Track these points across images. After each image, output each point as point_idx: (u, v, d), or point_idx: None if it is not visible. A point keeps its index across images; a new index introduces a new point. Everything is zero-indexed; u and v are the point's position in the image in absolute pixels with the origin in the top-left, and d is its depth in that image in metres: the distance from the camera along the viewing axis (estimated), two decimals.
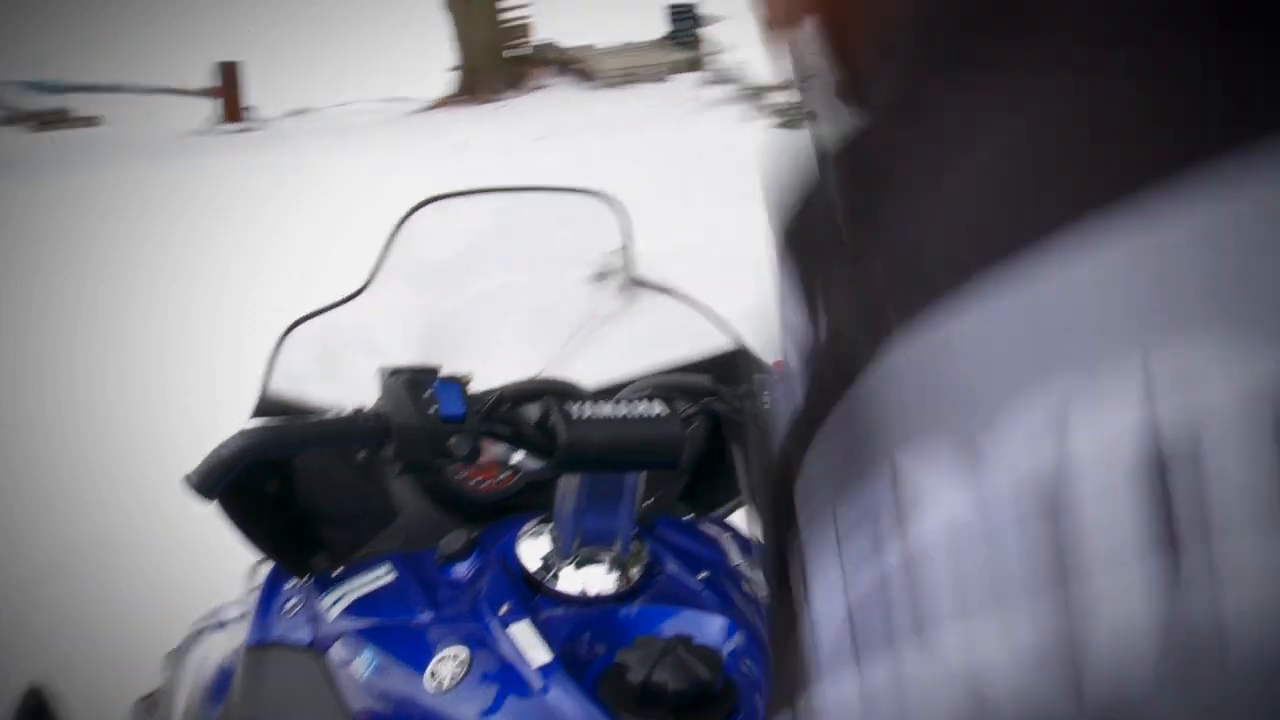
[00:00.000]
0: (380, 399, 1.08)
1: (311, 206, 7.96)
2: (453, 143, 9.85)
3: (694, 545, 1.30)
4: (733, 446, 1.37)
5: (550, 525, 1.21)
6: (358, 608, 1.19)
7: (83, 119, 13.34)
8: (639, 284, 1.39)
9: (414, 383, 1.06)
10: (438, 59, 13.01)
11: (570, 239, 1.40)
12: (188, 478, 1.03)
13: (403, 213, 1.25)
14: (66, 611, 3.09)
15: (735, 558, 1.31)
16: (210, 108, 12.90)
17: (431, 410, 1.04)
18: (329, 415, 1.08)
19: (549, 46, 12.86)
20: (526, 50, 12.77)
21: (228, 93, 12.91)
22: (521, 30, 12.80)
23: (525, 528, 1.23)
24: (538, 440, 1.10)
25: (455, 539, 1.22)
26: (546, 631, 1.10)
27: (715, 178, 7.97)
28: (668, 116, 10.04)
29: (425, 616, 1.15)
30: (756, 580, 1.27)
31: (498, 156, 9.14)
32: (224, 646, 1.42)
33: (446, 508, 1.32)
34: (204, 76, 13.05)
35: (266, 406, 1.24)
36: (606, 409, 1.10)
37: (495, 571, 1.18)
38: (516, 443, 1.11)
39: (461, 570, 1.21)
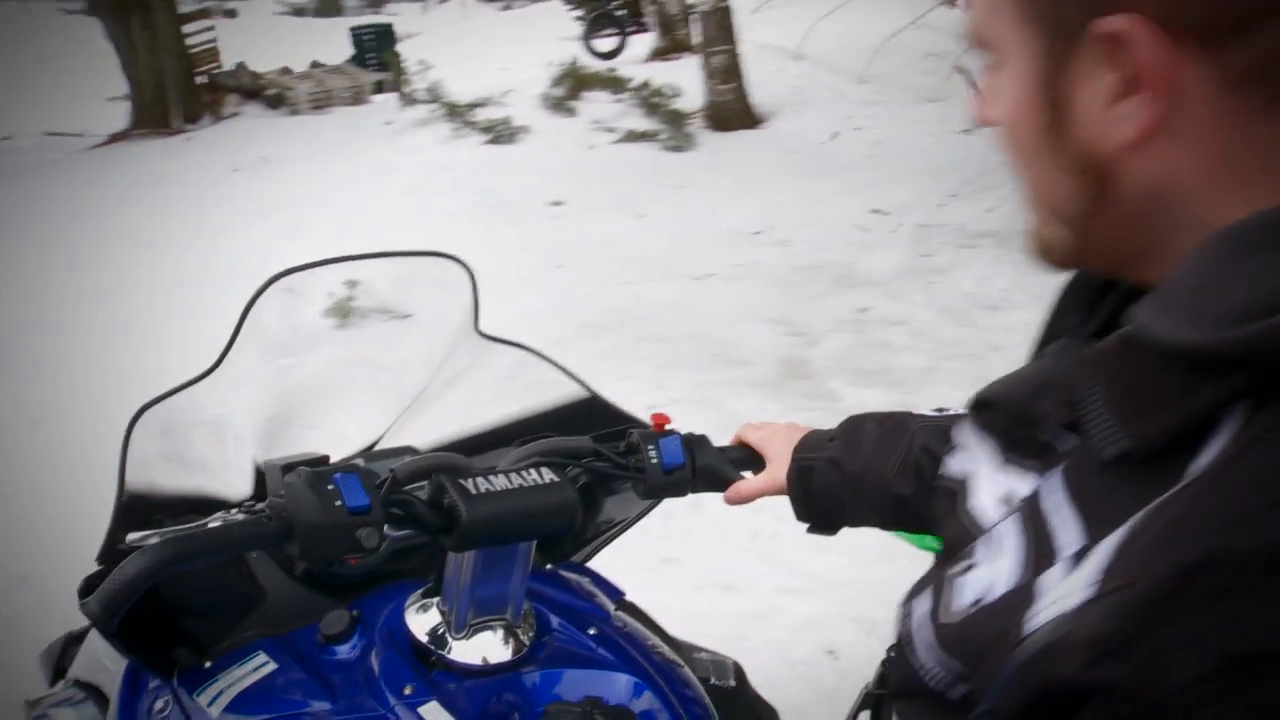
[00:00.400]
0: (279, 497, 1.03)
1: None
2: (142, 180, 9.34)
3: (569, 599, 1.31)
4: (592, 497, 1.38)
5: (436, 597, 1.18)
6: (242, 703, 1.12)
7: None
8: (488, 339, 1.38)
9: (316, 478, 1.01)
10: (103, 90, 12.30)
11: (419, 300, 1.37)
12: (87, 606, 0.96)
13: (254, 291, 1.19)
14: None
15: (608, 604, 1.33)
16: None
17: (337, 504, 1.00)
18: (224, 520, 1.03)
19: (239, 71, 12.39)
20: (214, 76, 12.24)
21: None
22: (209, 55, 12.26)
23: (410, 601, 1.20)
24: (437, 522, 1.07)
25: (336, 619, 1.18)
26: (455, 708, 1.08)
27: (420, 197, 7.91)
28: (371, 139, 9.87)
29: (321, 706, 1.10)
30: (636, 626, 1.30)
31: (195, 191, 8.74)
32: None
33: (313, 585, 1.27)
34: None
35: (129, 505, 1.15)
36: (500, 481, 1.09)
37: (385, 650, 1.15)
38: (416, 526, 1.09)
39: (345, 651, 1.17)
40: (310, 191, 8.33)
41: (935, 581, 0.76)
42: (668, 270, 6.39)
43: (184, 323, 5.42)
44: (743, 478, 1.27)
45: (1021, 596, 0.63)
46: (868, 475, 1.16)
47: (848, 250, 6.44)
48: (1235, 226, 0.59)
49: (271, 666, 1.16)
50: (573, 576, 1.39)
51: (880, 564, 3.07)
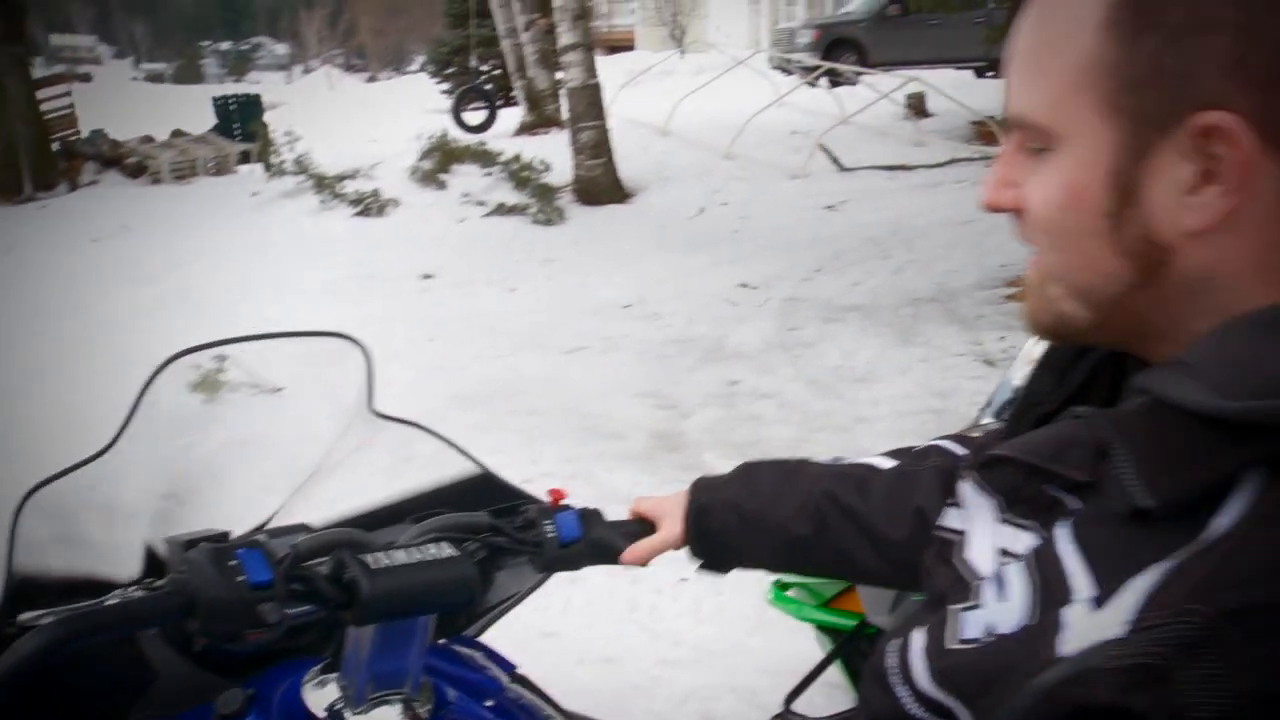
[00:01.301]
0: (178, 572, 1.03)
1: None
2: None
3: (463, 672, 1.32)
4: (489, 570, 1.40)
5: (334, 673, 1.19)
6: None
7: None
8: (381, 417, 1.40)
9: (218, 553, 1.02)
10: None
11: (313, 379, 1.39)
12: None
13: (149, 371, 1.20)
14: None
15: (503, 677, 1.34)
16: None
17: (239, 579, 1.01)
18: (123, 597, 1.02)
19: (97, 138, 12.12)
20: (72, 142, 11.95)
21: None
22: (66, 121, 11.98)
23: (307, 678, 1.20)
24: (338, 597, 1.08)
25: (231, 698, 1.17)
26: None
27: (288, 270, 7.84)
28: (233, 210, 9.75)
29: None
30: (530, 698, 1.32)
31: (50, 262, 8.50)
32: None
33: (207, 663, 1.26)
34: None
35: (19, 587, 1.14)
36: (400, 556, 1.11)
37: None
38: (318, 601, 1.10)
39: None
40: (174, 261, 8.19)
41: (931, 620, 0.81)
42: (539, 343, 6.43)
43: (57, 393, 5.27)
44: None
45: (1041, 630, 0.69)
46: (765, 516, 1.21)
47: (717, 324, 6.57)
48: (1263, 311, 0.68)
49: None
50: (465, 650, 1.40)
51: (759, 633, 3.13)
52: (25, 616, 1.01)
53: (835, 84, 13.97)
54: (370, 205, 9.14)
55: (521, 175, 9.68)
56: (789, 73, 16.10)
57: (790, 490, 1.20)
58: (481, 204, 9.29)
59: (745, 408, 5.26)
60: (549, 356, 6.22)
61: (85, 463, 1.19)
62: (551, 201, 9.29)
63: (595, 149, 9.62)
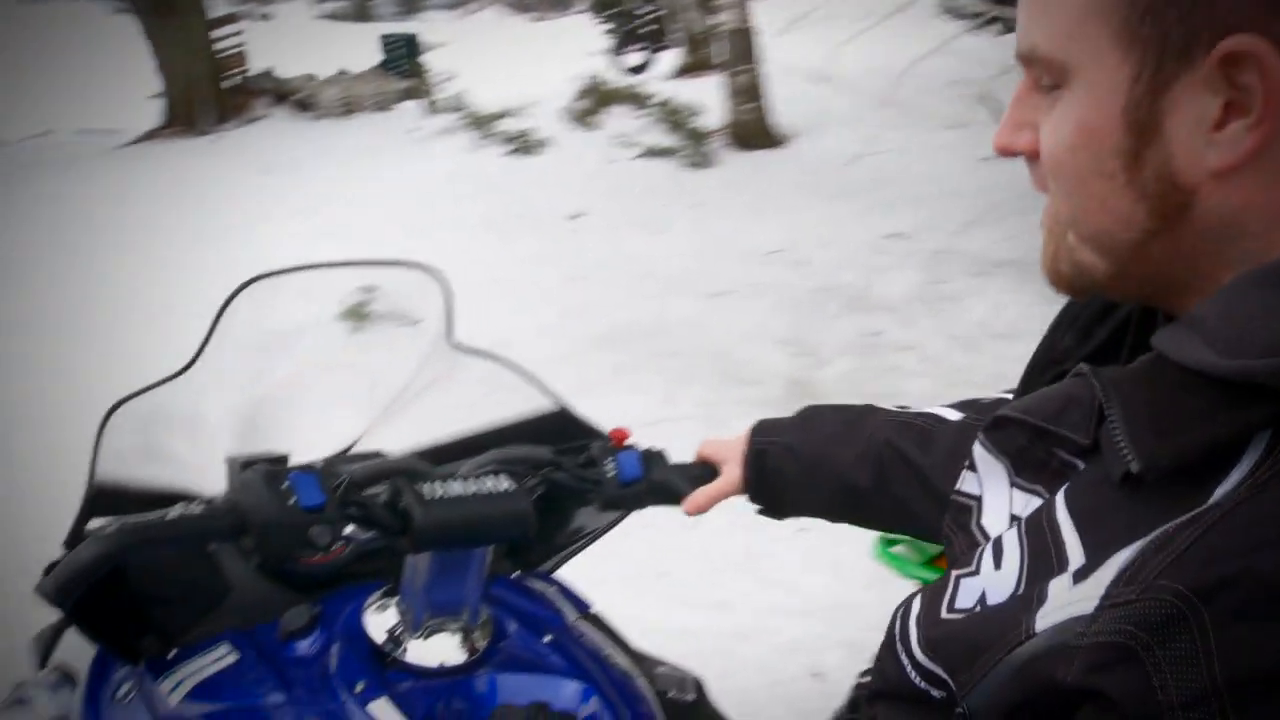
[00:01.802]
0: (234, 492, 1.06)
1: (12, 248, 7.47)
2: (170, 180, 9.44)
3: (530, 606, 1.33)
4: (559, 508, 1.40)
5: (395, 598, 1.21)
6: (201, 691, 1.15)
7: None
8: (461, 350, 1.41)
9: (271, 475, 1.04)
10: (140, 89, 12.43)
11: (393, 309, 1.40)
12: (42, 588, 0.99)
13: (228, 293, 1.23)
14: None
15: (570, 614, 1.35)
16: None
17: (291, 502, 1.03)
18: (182, 512, 1.05)
19: (266, 76, 12.49)
20: (242, 80, 12.35)
21: None
22: (236, 60, 12.37)
23: (370, 600, 1.23)
24: (392, 523, 1.10)
25: (297, 615, 1.20)
26: (405, 707, 1.10)
27: (440, 206, 7.97)
28: (395, 146, 9.94)
29: (276, 698, 1.13)
30: (594, 636, 1.32)
31: (222, 193, 8.82)
32: None
33: (279, 581, 1.29)
34: None
35: (99, 495, 1.19)
36: (456, 487, 1.12)
37: (343, 647, 1.17)
38: (372, 527, 1.11)
39: (306, 647, 1.19)
40: (335, 194, 8.41)
41: (934, 587, 0.78)
42: (684, 287, 6.41)
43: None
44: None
45: (1024, 603, 0.65)
46: (823, 462, 1.18)
47: (863, 273, 6.45)
48: (1276, 264, 0.61)
49: (233, 658, 1.19)
50: (538, 585, 1.41)
51: (874, 587, 3.08)
52: (94, 524, 1.05)
53: (1005, 31, 13.45)
54: (523, 144, 9.22)
55: (674, 118, 9.62)
56: (960, 17, 15.57)
57: (851, 437, 1.17)
58: (633, 146, 9.27)
59: (884, 359, 5.16)
60: (693, 300, 6.20)
61: (166, 380, 1.23)
62: (703, 145, 9.22)
63: (749, 93, 9.48)
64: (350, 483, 1.10)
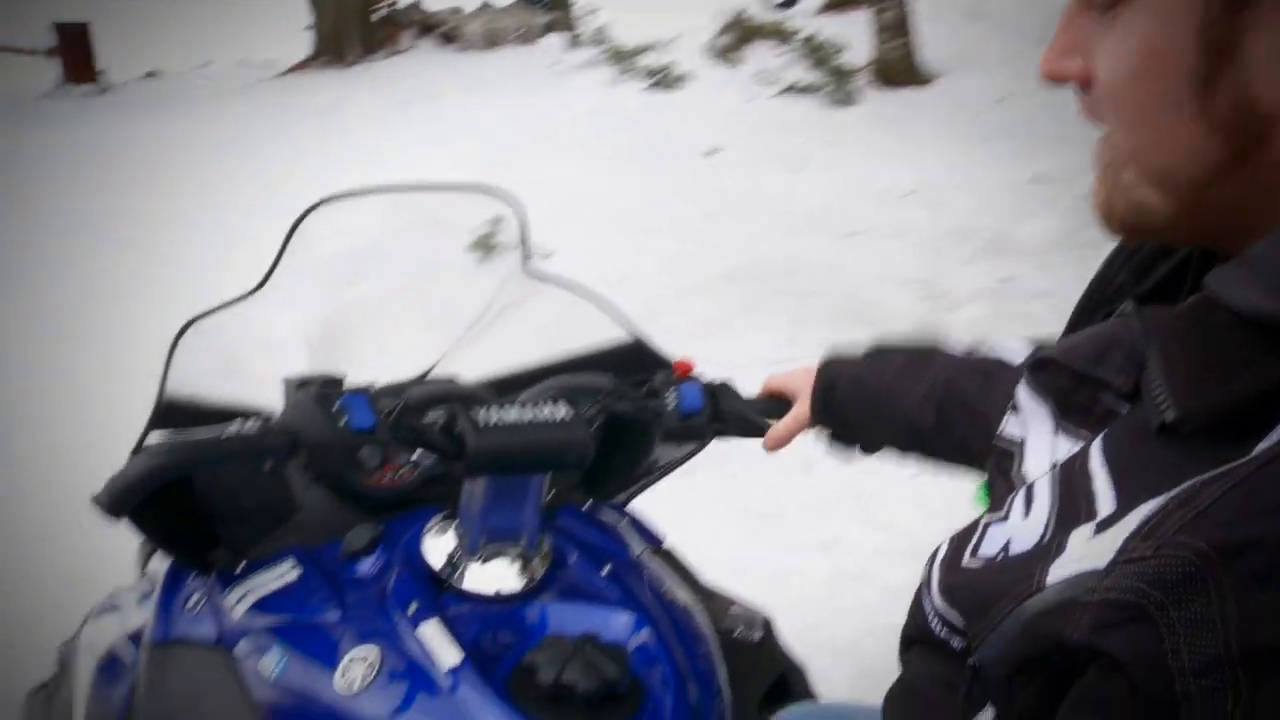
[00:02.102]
0: (287, 411, 1.07)
1: (178, 174, 7.73)
2: (319, 108, 9.64)
3: (595, 537, 1.32)
4: (634, 439, 1.39)
5: (455, 522, 1.21)
6: (264, 605, 1.18)
7: None
8: (536, 277, 1.40)
9: (322, 396, 1.06)
10: (296, 21, 12.71)
11: (461, 232, 1.40)
12: (97, 499, 1.02)
13: (299, 213, 1.23)
14: None
15: (636, 547, 1.33)
16: (54, 70, 12.39)
17: (341, 423, 1.04)
18: (236, 430, 1.06)
19: (413, 8, 12.64)
20: (389, 12, 12.51)
21: (73, 54, 12.40)
22: None
23: (430, 524, 1.23)
24: (446, 447, 1.10)
25: (359, 535, 1.22)
26: (455, 630, 1.10)
27: (579, 139, 7.98)
28: (536, 79, 9.97)
29: (333, 615, 1.15)
30: (657, 570, 1.30)
31: (367, 122, 8.98)
32: (117, 632, 1.39)
33: (347, 501, 1.31)
34: (49, 37, 12.55)
35: (165, 410, 1.21)
36: (512, 414, 1.11)
37: (401, 569, 1.18)
38: (425, 450, 1.12)
39: (367, 567, 1.21)
40: (473, 126, 8.47)
41: (962, 532, 0.75)
42: (816, 226, 6.31)
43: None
44: (767, 424, 1.27)
45: (1042, 553, 0.61)
46: (889, 399, 1.17)
47: (1001, 217, 6.25)
48: None
49: (296, 574, 1.21)
50: (610, 516, 1.40)
51: None
52: (153, 438, 1.07)
53: None
54: (663, 79, 9.14)
55: (817, 55, 9.43)
56: None
57: (916, 376, 1.15)
58: (774, 83, 9.12)
59: (1017, 305, 5.01)
60: (825, 239, 6.10)
61: (238, 300, 1.24)
62: (846, 83, 9.02)
63: (896, 29, 9.23)
64: (405, 406, 1.10)
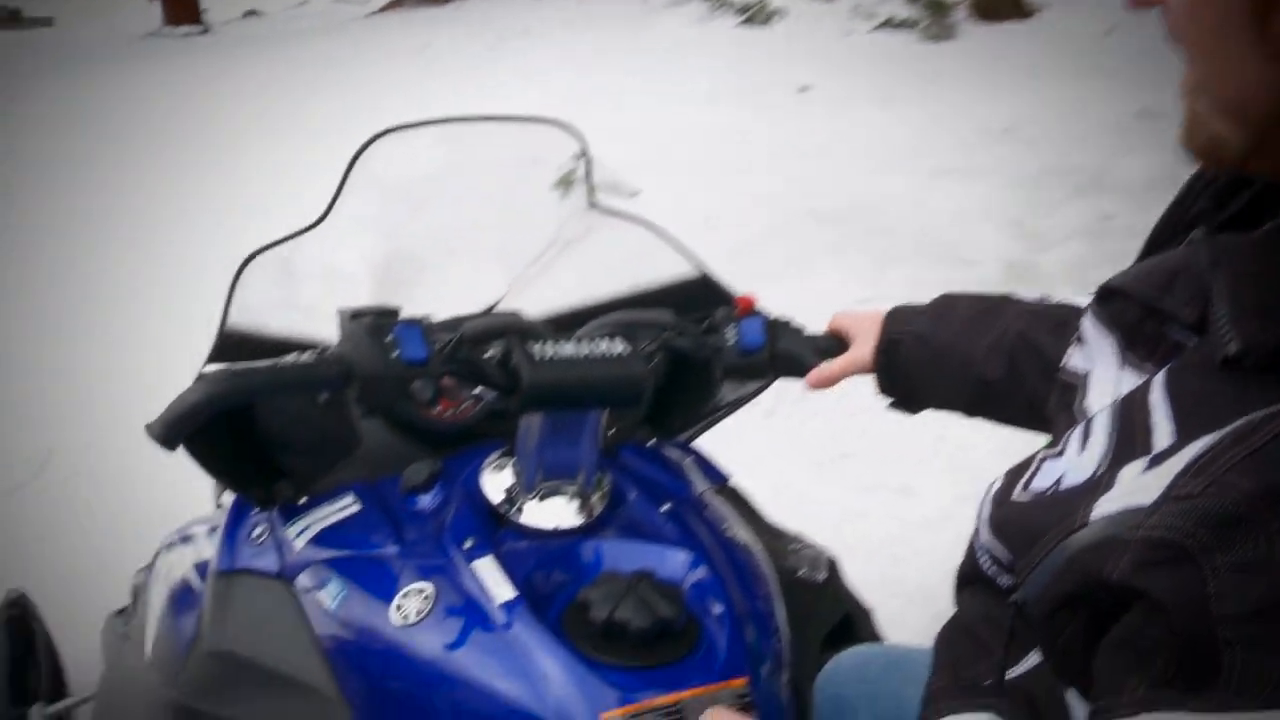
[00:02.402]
0: (341, 342, 1.07)
1: (276, 111, 7.82)
2: (412, 46, 9.67)
3: (657, 474, 1.31)
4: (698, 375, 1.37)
5: (513, 458, 1.21)
6: (324, 538, 1.19)
7: (36, 20, 13.01)
8: (600, 210, 1.37)
9: (375, 327, 1.05)
10: None
11: (531, 167, 1.38)
12: (150, 428, 1.03)
13: (360, 144, 1.22)
14: (45, 523, 3.10)
15: (699, 485, 1.32)
16: (156, 11, 12.59)
17: (394, 355, 1.04)
18: (290, 360, 1.07)
19: None
20: None
21: None
22: None
23: (488, 460, 1.23)
24: (501, 381, 1.10)
25: (419, 470, 1.22)
26: (510, 566, 1.10)
27: (669, 76, 7.89)
28: (628, 15, 9.88)
29: (391, 548, 1.16)
30: (719, 508, 1.29)
31: (459, 59, 8.98)
32: (189, 562, 1.42)
33: (408, 436, 1.32)
34: None
35: (225, 341, 1.22)
36: (568, 348, 1.10)
37: (459, 504, 1.19)
38: (483, 384, 1.11)
39: (426, 501, 1.21)
40: (568, 64, 8.43)
41: (1017, 466, 0.72)
42: (906, 164, 6.18)
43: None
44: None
45: (1091, 488, 0.60)
46: (955, 353, 1.12)
47: (1102, 153, 6.05)
48: None
49: (356, 508, 1.22)
50: (674, 454, 1.39)
51: None
52: (210, 368, 1.07)
53: None
54: (755, 15, 8.99)
55: None
56: None
57: (985, 327, 1.09)
58: (870, 18, 8.91)
59: (1114, 245, 4.85)
60: (915, 178, 5.97)
61: (300, 233, 1.24)
62: (944, 17, 8.78)
63: None
64: (461, 339, 1.09)
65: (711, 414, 1.47)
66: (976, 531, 0.73)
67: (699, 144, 6.31)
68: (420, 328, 1.07)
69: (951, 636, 0.79)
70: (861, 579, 1.46)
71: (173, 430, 1.02)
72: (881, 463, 3.17)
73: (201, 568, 1.39)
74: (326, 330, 1.26)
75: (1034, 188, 5.65)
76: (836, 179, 5.96)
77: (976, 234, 5.07)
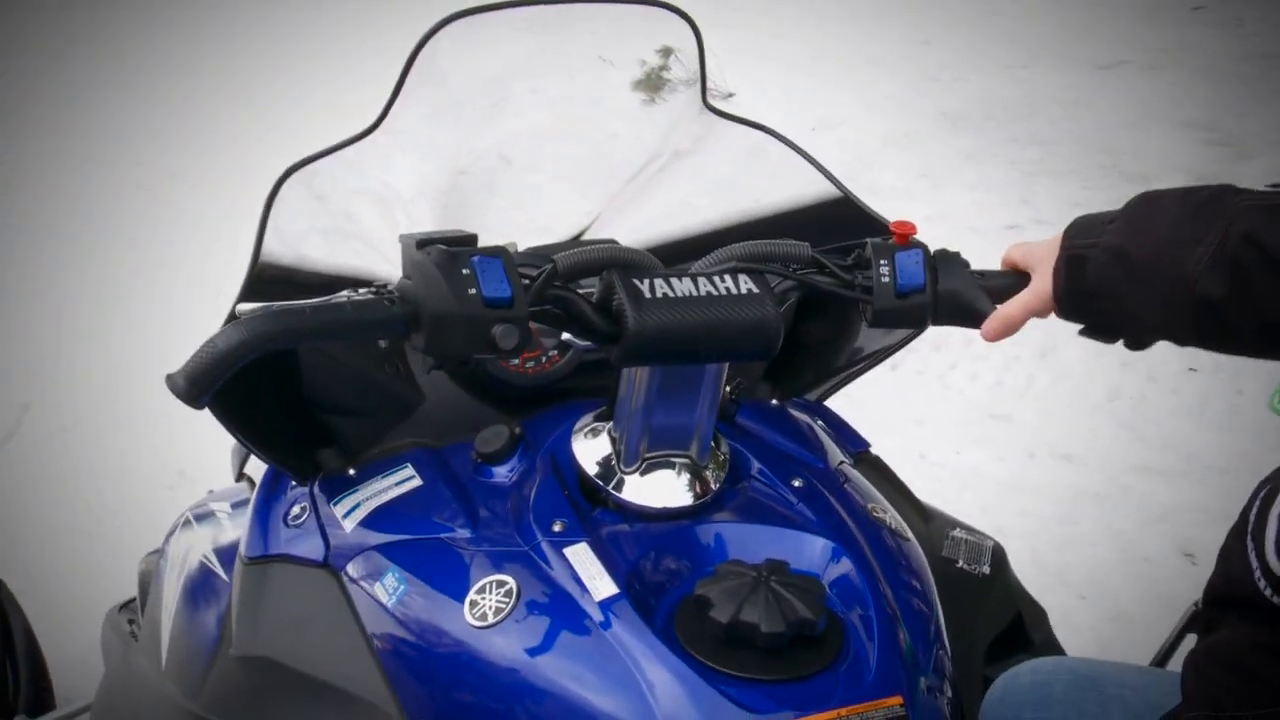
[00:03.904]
0: (406, 277, 1.04)
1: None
2: None
3: (784, 442, 1.29)
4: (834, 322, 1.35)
5: (610, 422, 1.19)
6: (379, 518, 1.18)
7: None
8: (717, 114, 1.35)
9: (449, 258, 1.02)
10: None
11: (631, 61, 1.36)
12: (172, 380, 0.99)
13: (422, 33, 1.20)
14: (22, 488, 3.17)
15: (835, 455, 1.30)
16: None
17: (471, 292, 1.00)
18: (343, 298, 1.04)
19: None
20: None
21: None
22: None
23: (580, 423, 1.21)
24: (600, 327, 1.06)
25: (494, 436, 1.21)
26: (609, 554, 1.09)
27: None
28: None
29: (462, 532, 1.15)
30: (861, 484, 1.27)
31: None
32: (207, 546, 1.43)
33: (480, 393, 1.30)
34: None
35: (259, 276, 1.21)
36: (685, 286, 1.07)
37: (545, 478, 1.17)
38: (574, 330, 1.09)
39: (502, 474, 1.20)
40: None
41: None
42: (1063, 52, 6.06)
43: None
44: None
45: None
46: (1161, 269, 1.07)
47: None
48: None
49: (417, 482, 1.21)
50: (803, 417, 1.37)
51: None
52: (244, 308, 1.05)
53: None
54: None
55: None
56: None
57: (1196, 231, 1.04)
58: None
59: None
60: (1074, 71, 5.86)
61: (347, 144, 1.22)
62: None
63: None
64: (552, 273, 1.07)
65: (848, 368, 1.45)
66: (1249, 548, 0.70)
67: (804, 35, 6.23)
68: (503, 260, 1.04)
69: (1207, 666, 0.77)
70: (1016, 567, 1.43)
71: (201, 383, 0.98)
72: (1042, 425, 3.14)
73: (225, 553, 1.39)
74: (379, 263, 1.26)
75: (1233, 80, 5.51)
76: (974, 73, 5.88)
77: (1153, 140, 4.98)
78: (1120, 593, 2.50)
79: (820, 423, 1.38)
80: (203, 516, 1.52)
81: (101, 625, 1.88)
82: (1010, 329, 1.17)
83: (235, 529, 1.41)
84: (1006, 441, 3.06)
